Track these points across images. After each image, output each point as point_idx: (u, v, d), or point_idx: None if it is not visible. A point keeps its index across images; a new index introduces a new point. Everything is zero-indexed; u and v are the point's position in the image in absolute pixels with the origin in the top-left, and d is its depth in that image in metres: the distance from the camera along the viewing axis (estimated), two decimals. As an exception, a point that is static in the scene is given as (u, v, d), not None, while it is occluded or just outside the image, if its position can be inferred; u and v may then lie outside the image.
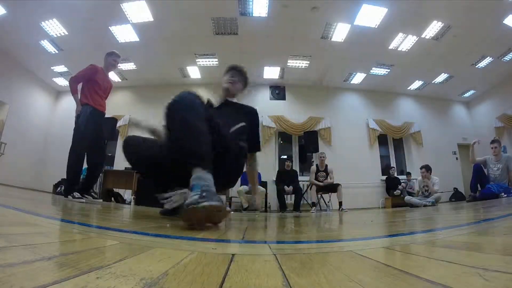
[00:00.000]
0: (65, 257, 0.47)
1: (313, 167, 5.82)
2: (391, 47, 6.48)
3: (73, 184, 3.18)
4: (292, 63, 7.25)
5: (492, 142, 4.58)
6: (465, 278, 0.37)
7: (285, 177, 5.96)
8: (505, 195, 3.94)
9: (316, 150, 6.58)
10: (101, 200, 3.59)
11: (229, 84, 1.92)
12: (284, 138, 8.28)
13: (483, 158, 4.63)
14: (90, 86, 3.34)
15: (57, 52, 6.74)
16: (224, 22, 5.76)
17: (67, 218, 1.38)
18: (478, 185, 4.50)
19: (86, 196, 3.22)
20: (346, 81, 8.13)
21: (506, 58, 6.76)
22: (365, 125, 8.16)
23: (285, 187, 5.73)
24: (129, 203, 5.43)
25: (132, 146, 1.64)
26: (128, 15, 5.51)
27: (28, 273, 0.35)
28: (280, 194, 5.76)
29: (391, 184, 7.14)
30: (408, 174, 7.26)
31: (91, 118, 3.22)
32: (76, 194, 3.08)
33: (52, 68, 7.50)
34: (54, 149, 8.05)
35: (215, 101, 1.94)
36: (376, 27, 5.77)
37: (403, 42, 6.31)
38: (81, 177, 6.90)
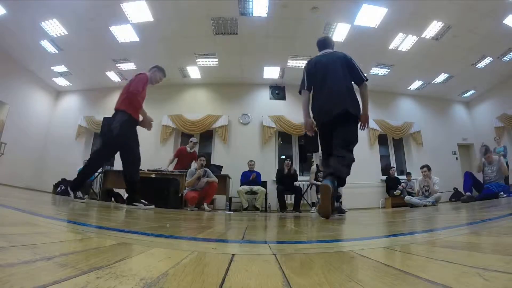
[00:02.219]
0: (65, 257, 0.47)
1: (313, 167, 5.82)
2: (391, 47, 6.48)
3: (82, 182, 3.13)
4: (292, 63, 7.24)
5: (484, 153, 4.77)
6: (465, 278, 0.37)
7: (284, 176, 5.96)
8: (505, 195, 3.97)
9: (316, 150, 6.51)
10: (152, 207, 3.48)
11: None
12: (284, 138, 8.28)
13: (481, 162, 4.75)
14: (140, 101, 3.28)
15: (57, 52, 6.74)
16: (224, 22, 5.76)
17: (67, 218, 1.38)
18: (473, 188, 4.59)
19: (136, 204, 3.13)
20: (346, 81, 8.13)
21: (506, 58, 6.75)
22: (365, 125, 8.15)
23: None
24: (129, 203, 5.42)
25: None
26: (128, 15, 5.50)
27: (28, 273, 0.35)
28: (280, 194, 5.76)
29: (391, 184, 7.13)
30: (408, 174, 7.26)
31: (127, 125, 3.13)
32: (79, 194, 3.06)
33: (52, 68, 7.49)
34: (54, 149, 8.06)
35: None
36: (376, 27, 5.77)
37: (403, 42, 6.31)
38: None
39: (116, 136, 3.07)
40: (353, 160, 2.37)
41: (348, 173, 2.33)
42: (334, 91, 2.52)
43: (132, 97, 3.12)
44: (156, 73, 3.49)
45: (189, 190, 4.83)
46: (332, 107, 2.47)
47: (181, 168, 5.70)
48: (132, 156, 3.18)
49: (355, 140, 2.50)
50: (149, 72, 3.46)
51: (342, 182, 2.31)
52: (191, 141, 5.98)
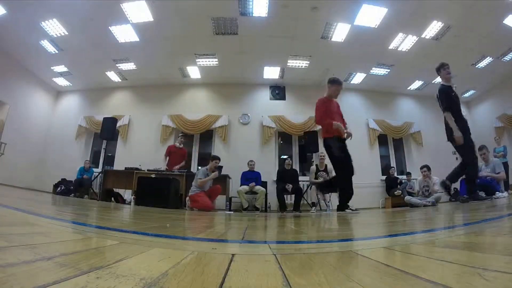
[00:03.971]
0: (65, 257, 0.47)
1: (313, 167, 5.82)
2: (391, 47, 6.47)
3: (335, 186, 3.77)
4: (292, 63, 7.24)
5: (480, 149, 4.78)
6: (465, 278, 0.37)
7: (285, 176, 5.96)
8: (501, 195, 4.02)
9: (316, 150, 6.58)
10: (358, 212, 3.88)
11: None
12: (284, 138, 8.28)
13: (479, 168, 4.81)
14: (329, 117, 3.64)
15: (57, 52, 6.73)
16: (224, 22, 5.75)
17: (67, 218, 1.38)
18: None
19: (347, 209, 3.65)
20: (346, 81, 8.12)
21: (506, 58, 6.75)
22: (365, 125, 8.15)
23: (287, 185, 5.71)
24: (129, 203, 5.43)
25: None
26: (128, 15, 5.50)
27: (28, 273, 0.35)
28: (280, 194, 5.76)
29: (391, 184, 7.13)
30: (408, 174, 7.26)
31: (336, 146, 3.60)
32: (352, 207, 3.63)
33: (52, 68, 7.49)
34: (54, 149, 8.05)
35: None
36: (376, 27, 5.77)
37: (403, 42, 6.31)
38: (79, 178, 6.84)
39: (337, 157, 3.61)
40: (469, 164, 3.96)
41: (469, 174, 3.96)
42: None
43: (322, 126, 3.78)
44: (331, 88, 3.82)
45: (198, 191, 4.82)
46: None
47: (173, 165, 5.85)
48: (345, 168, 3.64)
49: (463, 153, 4.01)
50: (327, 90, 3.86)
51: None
52: (179, 136, 6.24)
